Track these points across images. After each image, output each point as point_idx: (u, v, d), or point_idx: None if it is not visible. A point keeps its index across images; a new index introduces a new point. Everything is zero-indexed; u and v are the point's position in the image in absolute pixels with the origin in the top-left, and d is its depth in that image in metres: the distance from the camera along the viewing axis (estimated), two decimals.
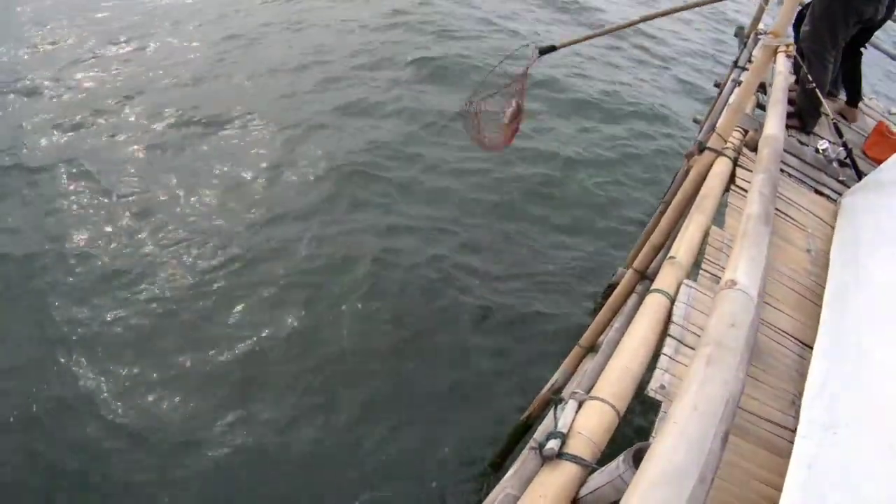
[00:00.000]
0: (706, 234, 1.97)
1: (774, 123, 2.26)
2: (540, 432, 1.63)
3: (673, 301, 1.63)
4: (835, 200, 2.73)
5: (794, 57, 3.39)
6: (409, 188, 5.47)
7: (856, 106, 3.88)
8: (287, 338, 4.01)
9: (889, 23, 3.75)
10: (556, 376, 2.45)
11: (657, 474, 0.84)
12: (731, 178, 2.42)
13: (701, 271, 1.85)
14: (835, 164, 3.10)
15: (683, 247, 1.82)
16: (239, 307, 4.20)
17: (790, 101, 3.47)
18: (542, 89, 7.09)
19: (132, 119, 6.34)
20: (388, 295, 4.37)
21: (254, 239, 4.79)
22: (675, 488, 0.82)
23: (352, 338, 4.04)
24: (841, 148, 3.13)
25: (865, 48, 3.79)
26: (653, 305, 1.58)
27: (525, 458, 1.45)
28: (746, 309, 1.19)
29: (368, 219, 5.07)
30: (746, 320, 1.16)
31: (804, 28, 3.46)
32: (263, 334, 4.01)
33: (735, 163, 2.46)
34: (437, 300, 4.36)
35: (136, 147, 5.87)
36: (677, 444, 0.87)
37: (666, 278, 1.68)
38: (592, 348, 2.28)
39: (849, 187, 2.81)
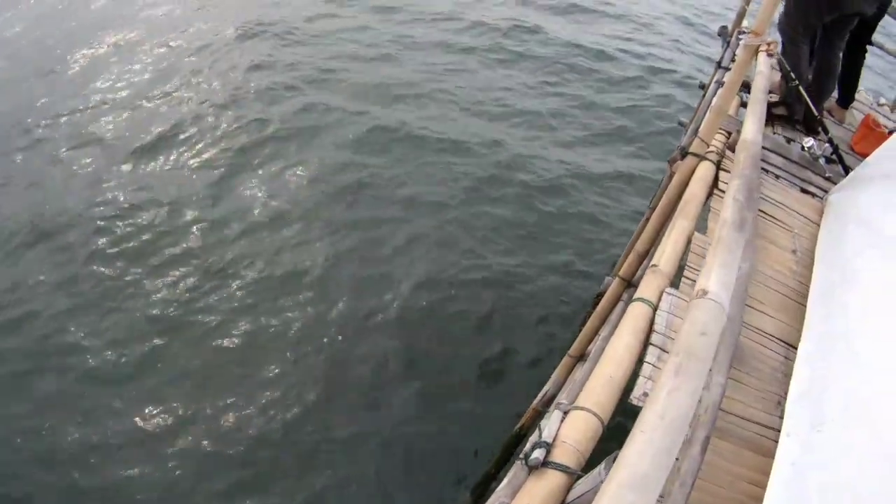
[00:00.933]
0: (689, 241, 2.01)
1: (752, 127, 2.29)
2: (528, 444, 1.68)
3: (655, 309, 1.67)
4: (821, 198, 2.74)
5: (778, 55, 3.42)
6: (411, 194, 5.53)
7: (846, 107, 3.83)
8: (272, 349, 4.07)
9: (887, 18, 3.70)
10: (548, 387, 2.49)
11: (624, 481, 0.88)
12: (715, 181, 2.45)
13: (683, 278, 1.88)
14: (821, 161, 3.11)
15: (666, 254, 1.86)
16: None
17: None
18: None
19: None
20: (387, 300, 4.42)
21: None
22: (642, 496, 0.87)
23: (348, 345, 4.09)
24: (827, 144, 3.15)
25: (871, 43, 3.74)
26: (635, 314, 1.62)
27: (516, 469, 1.50)
28: (717, 318, 1.23)
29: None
30: (717, 329, 1.20)
31: (780, 13, 3.44)
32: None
33: (718, 166, 2.50)
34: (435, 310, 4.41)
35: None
36: (643, 451, 0.92)
37: (648, 286, 1.72)
38: (582, 357, 2.32)
39: (836, 184, 2.83)
